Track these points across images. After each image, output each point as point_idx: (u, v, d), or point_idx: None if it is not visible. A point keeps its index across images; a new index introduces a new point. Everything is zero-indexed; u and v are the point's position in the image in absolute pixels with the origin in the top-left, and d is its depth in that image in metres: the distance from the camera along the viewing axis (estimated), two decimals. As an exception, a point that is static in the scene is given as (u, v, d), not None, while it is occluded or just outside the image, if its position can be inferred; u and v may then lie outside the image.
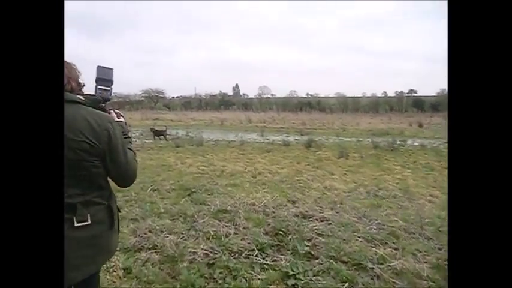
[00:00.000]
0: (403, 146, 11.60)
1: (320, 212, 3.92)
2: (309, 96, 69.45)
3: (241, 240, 3.06)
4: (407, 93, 63.52)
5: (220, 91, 67.20)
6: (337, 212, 3.95)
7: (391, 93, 65.21)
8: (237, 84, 76.63)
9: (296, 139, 14.07)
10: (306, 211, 3.93)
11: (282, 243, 3.01)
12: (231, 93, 72.02)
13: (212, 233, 3.17)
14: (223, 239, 3.07)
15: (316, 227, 3.39)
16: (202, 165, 7.25)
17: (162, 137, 12.72)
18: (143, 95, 60.23)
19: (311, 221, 3.63)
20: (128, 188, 1.58)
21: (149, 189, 4.97)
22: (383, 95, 66.70)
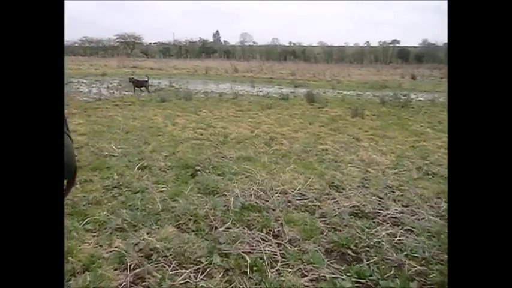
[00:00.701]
0: (410, 101, 10.57)
1: (383, 206, 2.85)
2: (292, 44, 66.11)
3: (301, 275, 1.93)
4: (390, 43, 61.68)
5: (200, 38, 62.10)
6: (406, 206, 2.88)
7: (373, 43, 63.09)
8: (217, 31, 70.86)
9: (291, 92, 12.74)
10: (363, 204, 2.85)
11: (362, 278, 1.92)
12: (211, 40, 67.07)
13: (249, 261, 2.01)
14: (269, 274, 1.92)
15: (396, 239, 2.32)
16: (199, 128, 5.91)
17: (144, 88, 10.94)
18: (118, 40, 54.78)
19: (380, 223, 2.56)
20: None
21: (137, 167, 3.68)
22: (366, 45, 64.43)
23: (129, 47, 54.80)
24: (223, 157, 4.22)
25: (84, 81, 14.37)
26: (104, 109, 7.55)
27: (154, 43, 60.15)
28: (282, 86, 15.48)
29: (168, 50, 53.19)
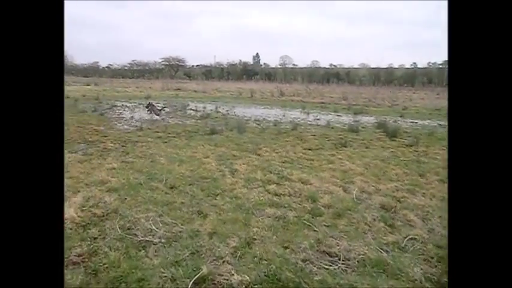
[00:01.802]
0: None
1: None
2: (333, 66, 64.13)
3: None
4: (441, 64, 57.04)
5: (240, 60, 62.68)
6: None
7: (421, 64, 58.80)
8: (257, 53, 71.25)
9: (355, 120, 10.77)
10: None
11: None
12: (251, 62, 67.43)
13: None
14: None
15: None
16: (268, 180, 4.18)
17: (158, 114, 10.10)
18: (163, 63, 57.09)
19: None
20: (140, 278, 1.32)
21: (192, 281, 1.99)
22: (412, 66, 60.27)
23: (173, 69, 56.62)
24: (331, 258, 2.40)
25: (128, 105, 13.61)
26: (144, 143, 6.17)
27: (197, 65, 61.65)
28: (339, 113, 13.59)
29: (210, 72, 53.91)
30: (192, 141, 6.45)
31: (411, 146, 6.98)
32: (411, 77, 54.93)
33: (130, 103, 14.42)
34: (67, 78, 36.76)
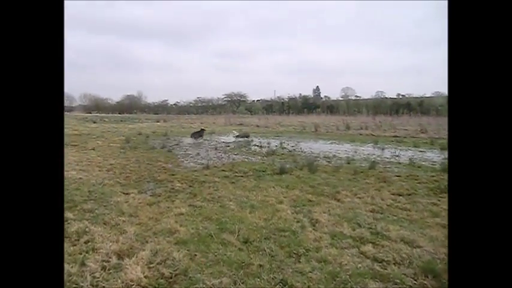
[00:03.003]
0: None
1: None
2: (401, 96, 60.13)
3: None
4: None
5: (300, 94, 63.05)
6: None
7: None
8: (317, 87, 71.05)
9: (445, 157, 9.19)
10: None
11: None
12: (311, 95, 67.34)
13: None
14: None
15: None
16: (361, 238, 3.37)
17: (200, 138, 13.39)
18: (225, 98, 60.42)
19: None
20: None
21: None
22: None
23: (235, 104, 59.29)
24: None
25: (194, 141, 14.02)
26: (211, 183, 5.85)
27: (258, 100, 63.68)
28: (420, 148, 12.00)
29: (271, 107, 54.95)
30: (261, 182, 5.94)
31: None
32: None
33: (198, 139, 14.88)
34: (141, 116, 40.78)
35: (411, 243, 3.31)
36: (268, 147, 11.53)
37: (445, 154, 10.25)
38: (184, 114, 42.97)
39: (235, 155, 9.74)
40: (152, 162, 8.06)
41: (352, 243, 3.25)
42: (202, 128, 15.18)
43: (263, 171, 6.99)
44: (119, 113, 48.23)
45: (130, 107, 56.83)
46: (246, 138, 14.68)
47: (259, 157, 9.27)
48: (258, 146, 12.03)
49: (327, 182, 6.06)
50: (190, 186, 5.65)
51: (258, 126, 23.35)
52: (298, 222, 3.81)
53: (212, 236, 3.33)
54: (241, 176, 6.51)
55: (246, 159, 8.81)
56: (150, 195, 5.01)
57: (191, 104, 60.85)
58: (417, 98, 55.56)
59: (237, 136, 15.40)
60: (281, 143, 12.52)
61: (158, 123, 27.12)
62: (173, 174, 6.61)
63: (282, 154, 9.92)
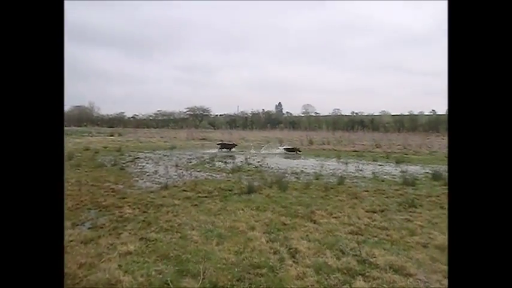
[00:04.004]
0: None
1: None
2: (355, 114, 64.00)
3: None
4: None
5: (263, 109, 63.64)
6: None
7: (440, 111, 57.86)
8: (279, 103, 72.53)
9: (402, 171, 9.41)
10: None
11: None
12: (273, 111, 68.40)
13: None
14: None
15: None
16: (347, 269, 2.89)
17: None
18: (188, 112, 58.62)
19: None
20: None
21: None
22: (431, 113, 59.13)
23: (197, 119, 57.85)
24: None
25: (152, 156, 12.92)
26: (170, 207, 5.07)
27: (221, 115, 62.90)
28: (378, 162, 12.24)
29: (234, 121, 54.33)
30: (228, 204, 5.30)
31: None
32: (435, 123, 53.20)
33: (155, 154, 13.78)
34: (91, 128, 36.85)
35: (401, 271, 2.93)
36: (233, 162, 10.93)
37: (401, 167, 10.51)
38: (143, 127, 40.59)
39: (198, 172, 8.99)
40: (98, 183, 6.91)
41: (341, 277, 2.75)
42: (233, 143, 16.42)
43: (229, 191, 6.36)
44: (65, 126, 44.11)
45: (80, 119, 52.05)
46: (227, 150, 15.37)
47: (224, 174, 8.63)
48: (222, 161, 11.37)
49: (299, 200, 5.60)
50: (144, 212, 4.81)
51: (221, 140, 22.67)
52: (275, 253, 3.25)
53: (169, 285, 2.59)
54: (205, 197, 5.81)
55: (209, 177, 8.11)
56: (89, 228, 4.02)
57: (151, 117, 58.00)
58: (368, 115, 59.26)
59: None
60: (246, 159, 11.98)
61: (112, 137, 24.80)
62: (123, 198, 5.64)
63: (249, 170, 9.37)
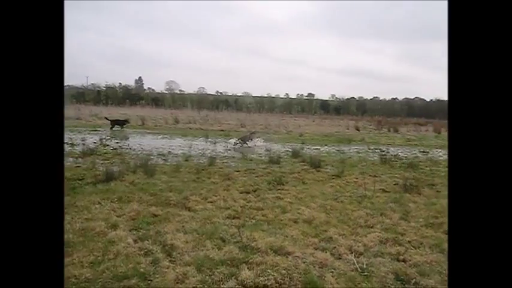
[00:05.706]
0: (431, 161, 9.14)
1: None
2: (219, 94, 66.44)
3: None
4: (307, 96, 68.05)
5: (120, 83, 56.75)
6: None
7: (292, 95, 69.33)
8: (140, 77, 66.34)
9: (267, 149, 10.26)
10: None
11: None
12: (133, 85, 62.06)
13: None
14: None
15: None
16: (242, 263, 2.70)
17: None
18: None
19: None
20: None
21: None
22: (285, 96, 69.60)
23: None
24: None
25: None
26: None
27: (65, 86, 52.20)
28: (244, 141, 12.91)
29: (83, 95, 46.04)
30: (78, 197, 4.21)
31: (339, 176, 6.65)
32: (289, 106, 61.96)
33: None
34: None
35: (281, 251, 2.96)
36: (85, 144, 9.07)
37: (266, 146, 11.48)
38: None
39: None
40: None
41: (225, 270, 2.51)
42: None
43: (79, 180, 5.12)
44: None
45: None
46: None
47: (71, 158, 6.99)
48: (69, 144, 9.24)
49: (170, 186, 5.07)
50: None
51: (67, 118, 18.68)
52: (147, 255, 2.70)
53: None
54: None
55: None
56: None
57: None
58: (232, 96, 62.61)
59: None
60: (101, 140, 10.21)
61: None
62: None
63: (105, 153, 7.98)
